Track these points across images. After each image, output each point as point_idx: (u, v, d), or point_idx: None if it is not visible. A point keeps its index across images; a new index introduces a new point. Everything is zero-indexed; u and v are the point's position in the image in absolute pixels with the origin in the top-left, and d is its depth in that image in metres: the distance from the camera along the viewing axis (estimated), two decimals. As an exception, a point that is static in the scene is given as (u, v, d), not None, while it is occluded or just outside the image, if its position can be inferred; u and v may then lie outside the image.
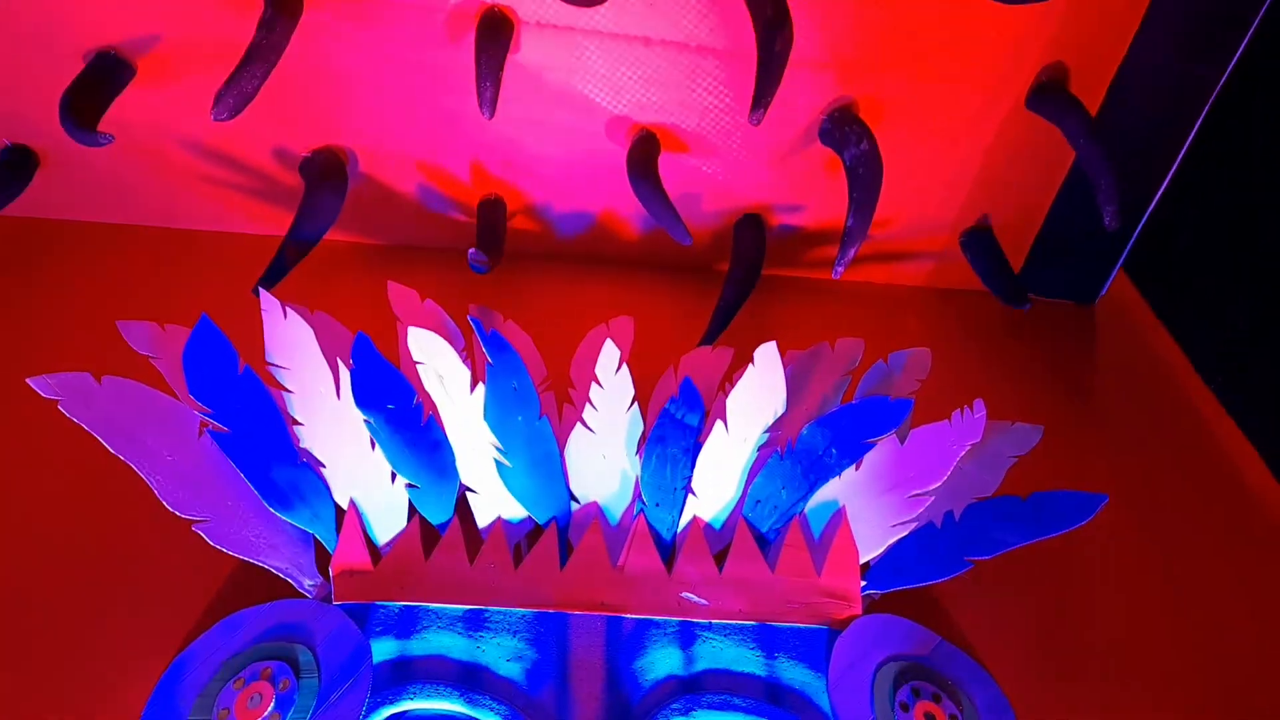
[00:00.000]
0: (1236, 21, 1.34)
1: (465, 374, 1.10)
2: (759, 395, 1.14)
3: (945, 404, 1.14)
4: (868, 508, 1.13)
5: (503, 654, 1.02)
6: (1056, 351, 1.64)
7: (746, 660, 1.05)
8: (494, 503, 1.13)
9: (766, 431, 1.14)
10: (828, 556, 1.11)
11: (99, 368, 1.04)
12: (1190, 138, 1.46)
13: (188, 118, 1.37)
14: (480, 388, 1.10)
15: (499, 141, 1.45)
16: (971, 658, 1.06)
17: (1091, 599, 1.25)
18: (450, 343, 1.10)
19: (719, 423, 1.13)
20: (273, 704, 0.91)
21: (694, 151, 1.46)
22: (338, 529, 1.08)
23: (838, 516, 1.14)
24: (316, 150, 1.43)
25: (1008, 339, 1.62)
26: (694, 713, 0.99)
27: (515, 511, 1.13)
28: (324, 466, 1.09)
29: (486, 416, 1.10)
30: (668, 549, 1.14)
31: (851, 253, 1.35)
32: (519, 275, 1.56)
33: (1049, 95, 1.38)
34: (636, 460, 1.15)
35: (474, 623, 1.04)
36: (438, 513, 1.12)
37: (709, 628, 1.07)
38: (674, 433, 1.13)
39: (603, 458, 1.15)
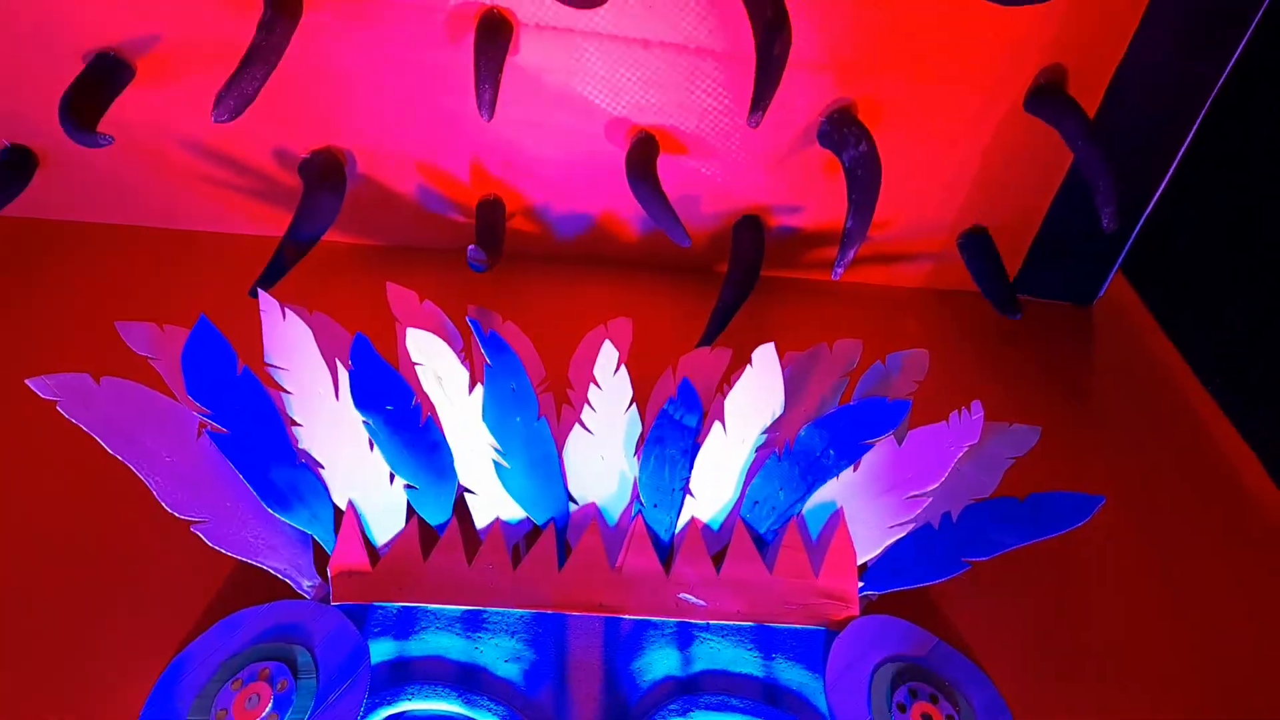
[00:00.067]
0: (1236, 19, 1.34)
1: (464, 375, 1.10)
2: (757, 396, 1.14)
3: (943, 405, 1.14)
4: (866, 509, 1.14)
5: (501, 655, 1.02)
6: (1054, 353, 1.64)
7: (744, 661, 1.05)
8: (492, 504, 1.13)
9: (765, 433, 1.15)
10: (825, 558, 1.11)
11: (98, 368, 1.04)
12: (1189, 138, 1.46)
13: (187, 118, 1.37)
14: (479, 389, 1.10)
15: (498, 143, 1.45)
16: (969, 659, 1.07)
17: (1089, 600, 1.26)
18: (449, 344, 1.10)
19: (717, 424, 1.13)
20: (270, 704, 0.91)
21: (693, 153, 1.46)
22: (336, 530, 1.08)
23: (835, 518, 1.14)
24: (316, 151, 1.43)
25: (1006, 340, 1.62)
26: (691, 713, 0.99)
27: (513, 512, 1.13)
28: (322, 467, 1.09)
29: (485, 417, 1.10)
30: (666, 550, 1.14)
31: (851, 254, 1.35)
32: (518, 276, 1.56)
33: (1047, 97, 1.38)
34: (635, 461, 1.15)
35: (472, 624, 1.04)
36: (436, 513, 1.12)
37: (707, 629, 1.08)
38: (672, 434, 1.14)
39: (601, 459, 1.15)
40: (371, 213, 1.54)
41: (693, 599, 1.09)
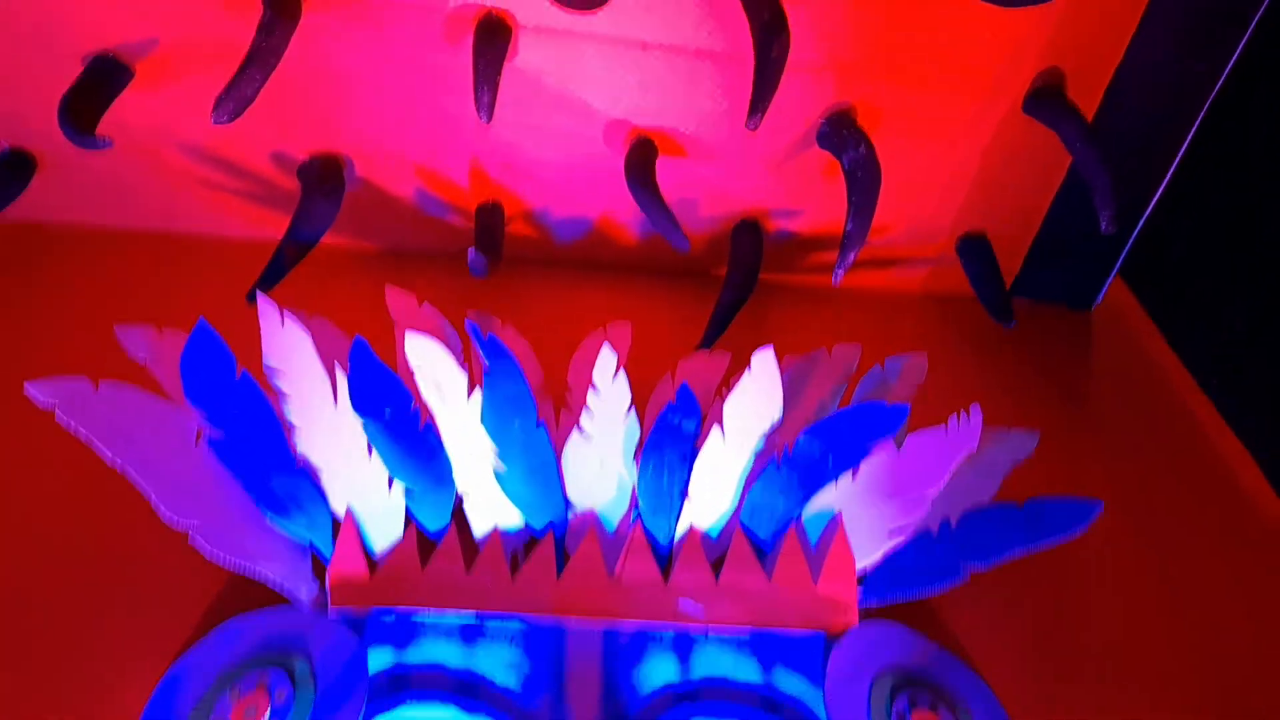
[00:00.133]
0: (1236, 18, 1.33)
1: (462, 379, 1.10)
2: (756, 401, 1.13)
3: (942, 409, 1.14)
4: (865, 515, 1.13)
5: (499, 664, 1.02)
6: (1053, 357, 1.64)
7: (743, 669, 1.05)
8: (491, 510, 1.13)
9: (764, 438, 1.14)
10: (824, 564, 1.11)
11: (98, 371, 1.04)
12: (1189, 139, 1.46)
13: (186, 121, 1.37)
14: (477, 393, 1.10)
15: (497, 146, 1.45)
16: (969, 666, 1.07)
17: (1088, 603, 1.26)
18: (448, 347, 1.10)
19: (716, 429, 1.13)
20: (268, 714, 0.91)
21: (691, 156, 1.46)
22: (334, 537, 1.08)
23: (834, 524, 1.14)
24: (314, 155, 1.43)
25: (1004, 344, 1.61)
26: (690, 721, 0.99)
27: (512, 519, 1.13)
28: (321, 473, 1.09)
29: (484, 421, 1.10)
30: (664, 557, 1.14)
31: (851, 257, 1.35)
32: (517, 280, 1.56)
33: (1045, 99, 1.38)
34: (634, 467, 1.15)
35: (470, 633, 1.04)
36: (435, 519, 1.12)
37: (705, 637, 1.07)
38: (671, 439, 1.13)
39: (599, 465, 1.14)
40: (370, 216, 1.54)
41: (691, 606, 1.08)
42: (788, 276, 1.66)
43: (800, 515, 1.15)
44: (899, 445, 1.13)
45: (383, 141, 1.44)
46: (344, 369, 1.07)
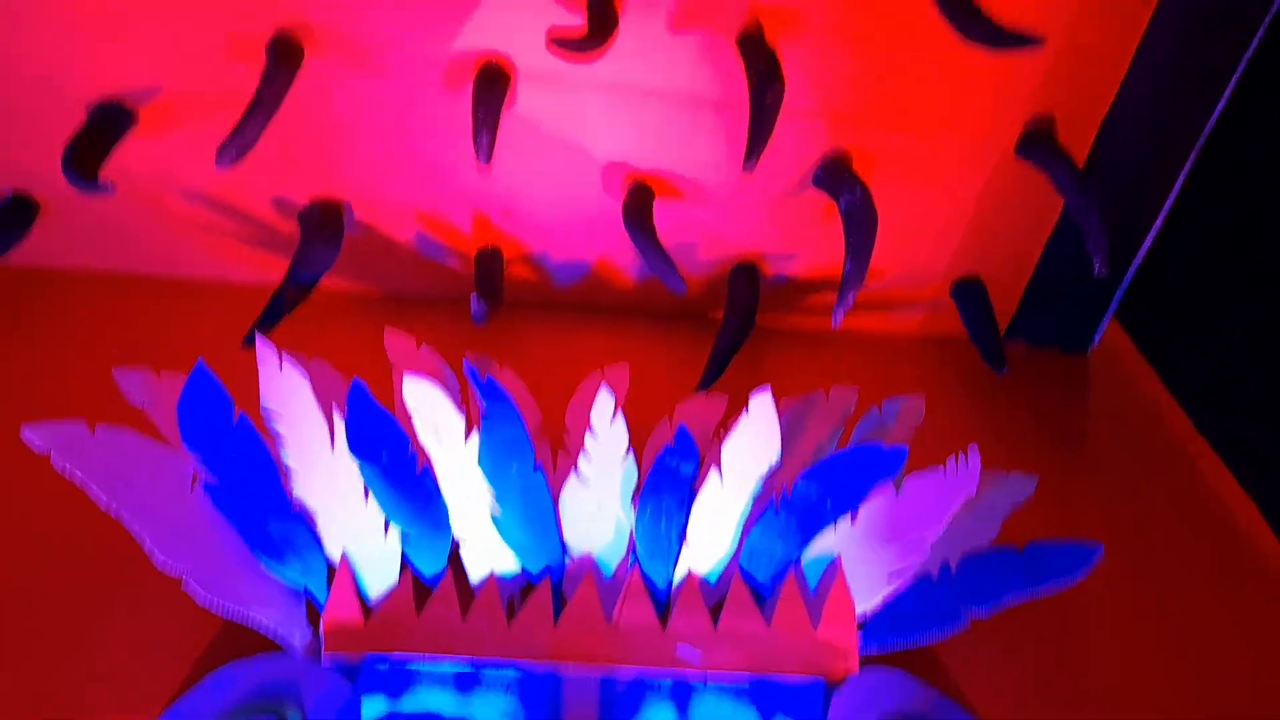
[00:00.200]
0: (1230, 49, 1.33)
1: (460, 422, 1.10)
2: (754, 443, 1.13)
3: (939, 452, 1.13)
4: (864, 558, 1.13)
5: (494, 713, 1.01)
6: (1050, 399, 1.64)
7: (742, 716, 1.04)
8: (487, 555, 1.12)
9: (762, 480, 1.14)
10: (824, 609, 1.10)
11: (97, 414, 1.04)
12: (1183, 174, 1.46)
13: (188, 167, 1.38)
14: (475, 436, 1.10)
15: (496, 191, 1.46)
16: (970, 712, 1.05)
17: (1088, 646, 1.25)
18: (446, 389, 1.10)
19: (714, 472, 1.12)
20: (261, 763, 0.90)
21: (689, 200, 1.47)
22: (329, 582, 1.07)
23: (833, 568, 1.13)
24: (315, 200, 1.44)
25: (1002, 387, 1.62)
26: (689, 770, 0.98)
27: (508, 564, 1.12)
28: (317, 517, 1.08)
29: (481, 464, 1.10)
30: (662, 602, 1.13)
31: (851, 298, 1.35)
32: (515, 323, 1.57)
33: (1036, 143, 1.39)
34: (631, 510, 1.15)
35: (466, 681, 1.03)
36: (431, 564, 1.11)
37: (704, 684, 1.06)
38: (669, 483, 1.12)
39: (597, 508, 1.14)
40: (370, 260, 1.55)
41: (690, 653, 1.07)
42: (785, 319, 1.67)
43: (799, 559, 1.14)
44: (898, 488, 1.13)
45: (382, 187, 1.45)
46: (342, 412, 1.07)
